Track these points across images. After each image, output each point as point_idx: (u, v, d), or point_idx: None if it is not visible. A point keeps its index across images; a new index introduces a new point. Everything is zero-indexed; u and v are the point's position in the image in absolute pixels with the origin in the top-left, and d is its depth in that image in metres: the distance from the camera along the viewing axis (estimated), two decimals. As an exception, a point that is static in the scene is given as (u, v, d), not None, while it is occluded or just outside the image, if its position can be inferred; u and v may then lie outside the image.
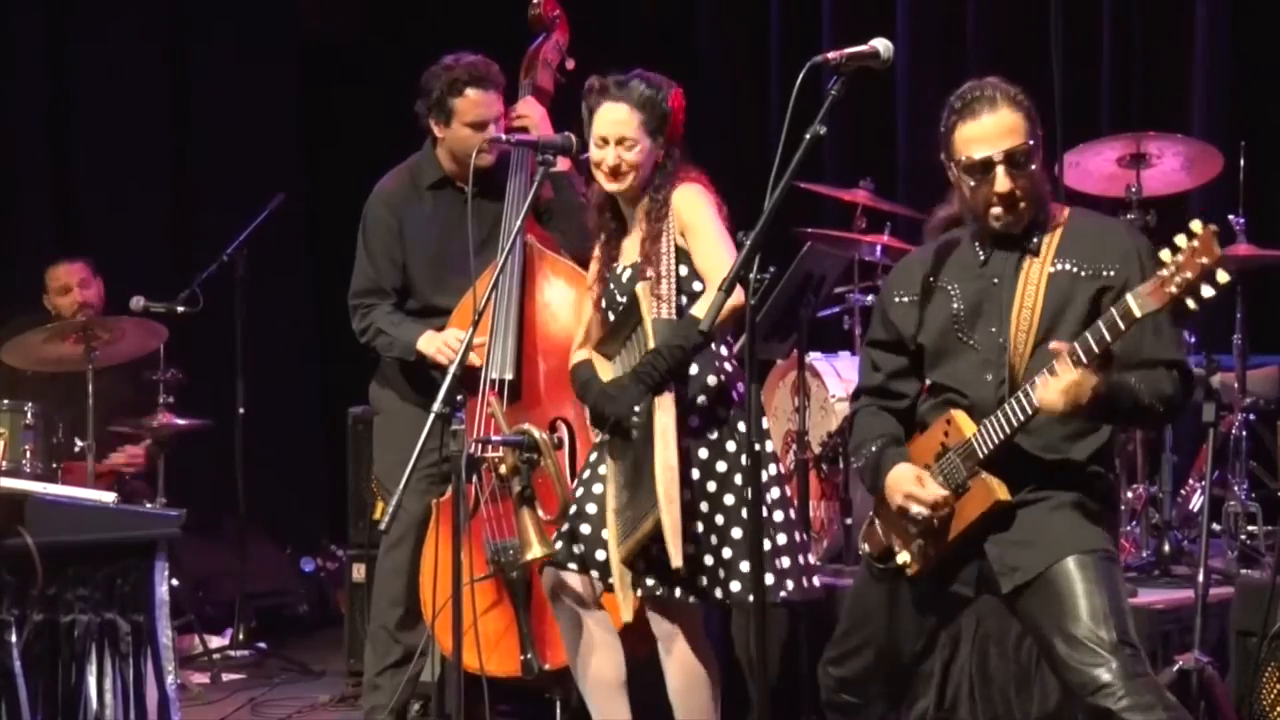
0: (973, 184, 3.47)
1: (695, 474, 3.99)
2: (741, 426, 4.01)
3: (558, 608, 4.23)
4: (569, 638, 4.25)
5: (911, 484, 3.50)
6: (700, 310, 3.94)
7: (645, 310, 3.96)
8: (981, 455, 3.42)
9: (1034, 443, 3.45)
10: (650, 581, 4.01)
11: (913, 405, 3.68)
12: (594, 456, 4.16)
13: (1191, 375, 3.44)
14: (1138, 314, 3.17)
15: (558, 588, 4.21)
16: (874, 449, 3.61)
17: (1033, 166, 3.45)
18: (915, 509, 3.49)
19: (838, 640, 3.75)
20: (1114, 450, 3.61)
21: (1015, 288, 3.48)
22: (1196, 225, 3.11)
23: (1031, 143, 3.44)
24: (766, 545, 3.97)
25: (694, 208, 4.07)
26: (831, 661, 3.74)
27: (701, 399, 4.04)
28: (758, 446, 3.70)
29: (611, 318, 4.15)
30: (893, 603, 3.62)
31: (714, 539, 3.99)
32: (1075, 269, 3.45)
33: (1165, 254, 3.14)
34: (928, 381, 3.65)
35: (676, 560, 3.89)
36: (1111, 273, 3.43)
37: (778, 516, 4.04)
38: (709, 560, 3.99)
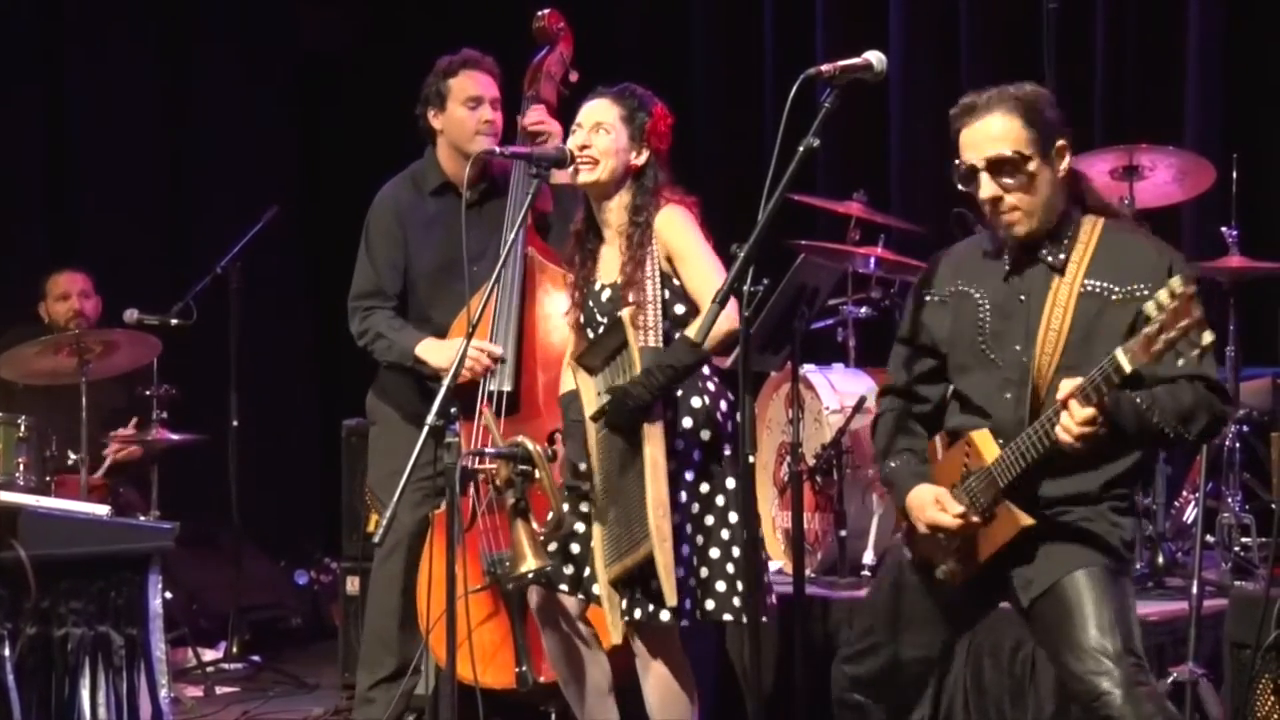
0: (966, 190, 3.49)
1: (682, 496, 4.03)
2: (727, 450, 4.09)
3: (545, 622, 4.25)
4: (555, 650, 4.26)
5: (932, 509, 3.49)
6: (693, 330, 3.94)
7: (631, 339, 3.99)
8: (1002, 485, 3.41)
9: (1052, 470, 3.42)
10: (629, 604, 4.03)
11: (937, 408, 3.66)
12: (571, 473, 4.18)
13: (1220, 387, 3.37)
14: (1127, 369, 3.15)
15: (545, 603, 4.22)
16: (894, 465, 3.61)
17: (1020, 176, 3.42)
18: (940, 536, 3.49)
19: (855, 639, 3.76)
20: (1136, 474, 3.56)
21: (1043, 308, 3.45)
22: (1176, 284, 3.07)
23: (1022, 151, 3.42)
24: (731, 568, 4.04)
25: (678, 231, 4.10)
26: (847, 659, 3.75)
27: (688, 422, 4.06)
28: (751, 459, 3.72)
29: (591, 335, 4.18)
30: (916, 608, 3.62)
31: (695, 560, 4.03)
32: (1106, 291, 3.41)
33: (1150, 308, 3.10)
34: (951, 388, 3.64)
35: (671, 598, 3.94)
36: (1145, 291, 3.33)
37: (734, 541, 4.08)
38: (690, 581, 4.02)
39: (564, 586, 4.15)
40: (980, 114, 3.45)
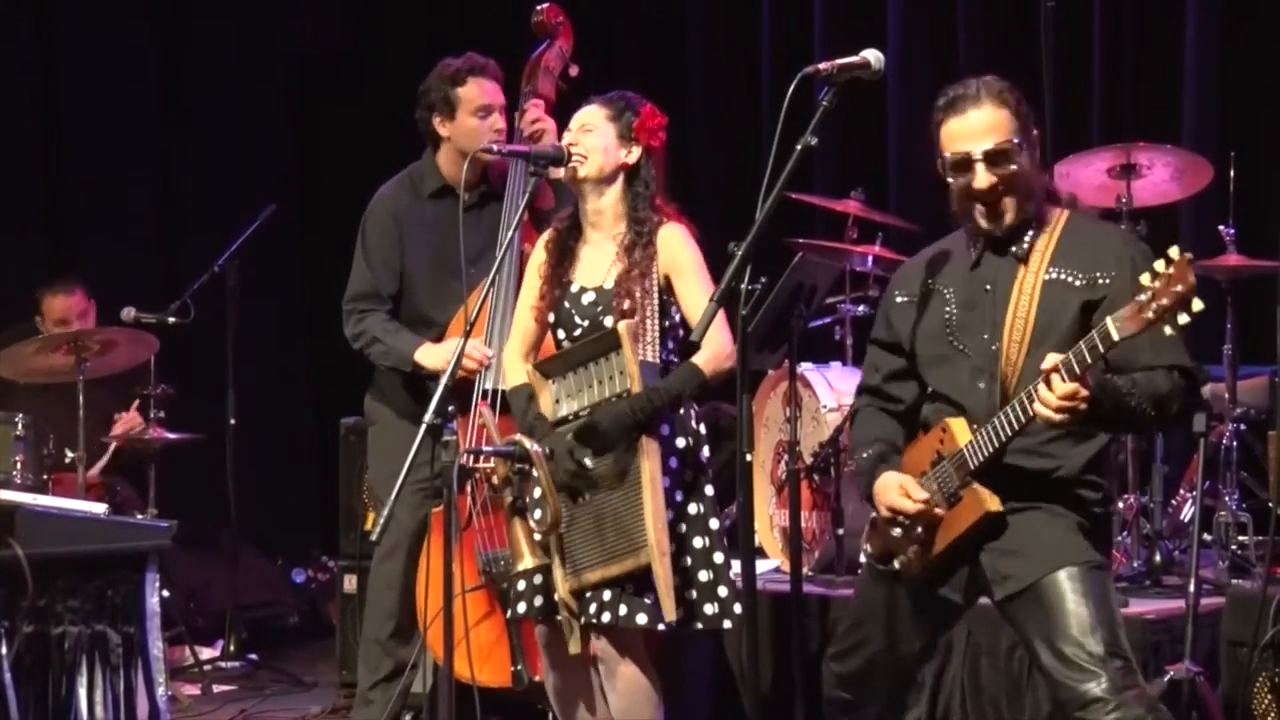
0: (954, 181, 3.50)
1: (669, 515, 4.03)
2: (702, 455, 4.12)
3: (553, 663, 4.24)
4: (556, 685, 4.25)
5: (894, 494, 3.51)
6: (700, 358, 3.99)
7: (630, 353, 3.99)
8: (973, 466, 3.42)
9: (1027, 453, 3.45)
10: (597, 608, 4.03)
11: (911, 409, 3.67)
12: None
13: (1196, 376, 3.41)
14: (1115, 338, 3.17)
15: (552, 642, 4.22)
16: (865, 455, 3.62)
17: (1013, 166, 3.45)
18: (898, 521, 3.50)
19: (840, 637, 3.78)
20: (1106, 459, 3.61)
21: (1009, 296, 3.48)
22: (1174, 252, 3.12)
23: (1015, 141, 3.45)
24: (705, 576, 4.05)
25: (684, 250, 4.13)
26: (833, 657, 3.76)
27: (664, 429, 4.07)
28: (749, 457, 3.72)
29: (562, 335, 4.18)
30: (892, 604, 3.63)
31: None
32: (1069, 278, 3.45)
33: (1145, 278, 3.15)
34: (930, 389, 3.65)
35: (670, 614, 3.95)
36: (1106, 281, 3.42)
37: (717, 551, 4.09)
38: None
39: (537, 615, 4.15)
40: (971, 105, 3.47)
